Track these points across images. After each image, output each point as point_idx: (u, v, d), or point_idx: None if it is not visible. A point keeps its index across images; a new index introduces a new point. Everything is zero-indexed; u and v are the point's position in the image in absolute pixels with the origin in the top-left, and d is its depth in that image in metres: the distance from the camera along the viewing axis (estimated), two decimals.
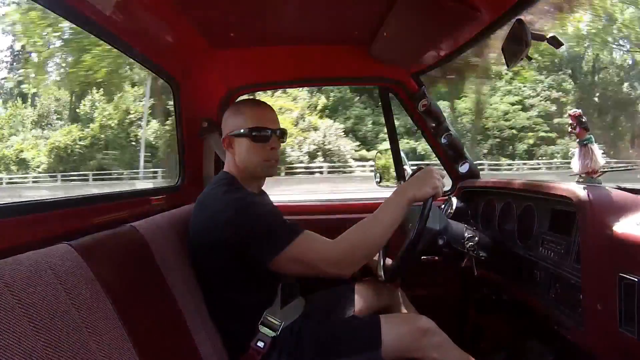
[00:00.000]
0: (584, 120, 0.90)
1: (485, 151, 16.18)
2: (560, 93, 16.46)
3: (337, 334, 0.94)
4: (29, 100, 16.77)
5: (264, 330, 0.91)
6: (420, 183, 0.87)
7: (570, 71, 17.06)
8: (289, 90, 15.57)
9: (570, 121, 0.91)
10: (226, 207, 0.87)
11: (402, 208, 0.86)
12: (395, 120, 1.57)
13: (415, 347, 0.92)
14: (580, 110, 0.91)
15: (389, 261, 1.18)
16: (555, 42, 0.88)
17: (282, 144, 1.03)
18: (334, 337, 0.93)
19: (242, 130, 0.96)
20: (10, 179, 14.87)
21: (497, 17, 0.91)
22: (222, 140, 1.00)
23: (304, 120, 16.55)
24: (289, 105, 16.46)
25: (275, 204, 1.36)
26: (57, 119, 17.10)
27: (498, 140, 16.49)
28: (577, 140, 0.91)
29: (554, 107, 16.03)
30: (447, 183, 1.62)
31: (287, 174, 14.25)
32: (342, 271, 0.85)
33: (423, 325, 0.95)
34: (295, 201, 1.63)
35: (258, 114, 0.98)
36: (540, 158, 15.78)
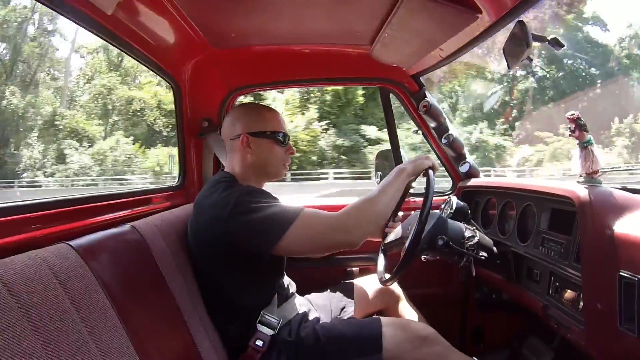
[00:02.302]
0: (582, 122, 0.90)
1: None
2: None
3: (338, 336, 0.94)
4: None
5: (263, 329, 0.91)
6: (415, 159, 0.97)
7: None
8: None
9: (569, 124, 0.91)
10: (227, 201, 0.87)
11: (403, 180, 0.93)
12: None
13: (415, 356, 0.91)
14: (577, 113, 0.90)
15: (389, 262, 1.18)
16: (556, 44, 0.88)
17: None
18: (335, 340, 0.93)
19: (267, 132, 1.00)
20: None
21: (498, 18, 0.91)
22: (239, 138, 0.99)
23: None
24: None
25: None
26: None
27: None
28: (577, 142, 0.90)
29: None
30: (447, 186, 1.62)
31: None
32: (352, 237, 0.86)
33: (422, 332, 0.95)
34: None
35: (278, 118, 1.05)
36: None
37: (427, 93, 1.45)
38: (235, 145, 1.00)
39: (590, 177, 0.89)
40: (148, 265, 0.80)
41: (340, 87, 14.49)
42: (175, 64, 1.27)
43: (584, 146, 0.90)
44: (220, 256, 0.89)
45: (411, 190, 1.34)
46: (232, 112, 1.05)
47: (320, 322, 1.01)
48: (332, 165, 14.99)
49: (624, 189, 0.88)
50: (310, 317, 1.04)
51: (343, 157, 15.42)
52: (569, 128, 0.91)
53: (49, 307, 0.51)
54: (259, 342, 0.90)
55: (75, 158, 15.90)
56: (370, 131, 15.03)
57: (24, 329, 0.47)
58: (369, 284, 1.26)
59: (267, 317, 0.92)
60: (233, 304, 0.93)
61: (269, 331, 0.91)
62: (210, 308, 0.92)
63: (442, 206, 1.23)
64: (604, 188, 0.84)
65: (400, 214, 1.29)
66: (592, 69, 19.16)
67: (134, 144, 16.19)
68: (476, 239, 1.02)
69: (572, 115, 0.90)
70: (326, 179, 13.86)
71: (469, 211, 1.19)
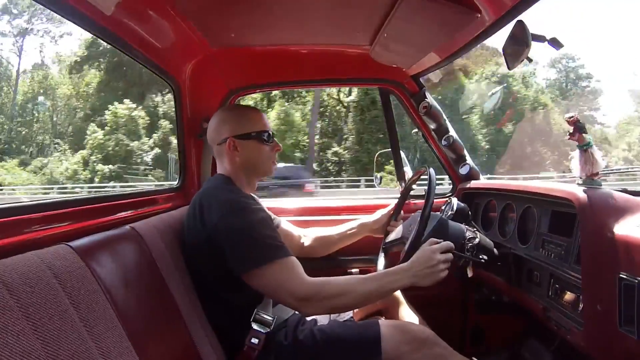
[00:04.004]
0: (581, 124, 0.89)
1: None
2: None
3: (336, 340, 0.93)
4: None
5: (257, 326, 0.92)
6: (427, 272, 0.89)
7: None
8: None
9: (569, 126, 0.90)
10: (219, 208, 0.88)
11: (396, 288, 0.91)
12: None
13: (414, 358, 0.91)
14: (577, 115, 0.90)
15: (389, 262, 1.18)
16: (555, 44, 0.87)
17: None
18: (333, 343, 0.93)
19: (252, 133, 1.01)
20: None
21: (498, 18, 0.91)
22: (226, 143, 1.01)
23: None
24: None
25: (273, 207, 1.37)
26: None
27: None
28: (577, 145, 0.90)
29: None
30: (447, 188, 1.62)
31: None
32: (301, 309, 0.87)
33: (421, 335, 0.95)
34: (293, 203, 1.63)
35: (262, 117, 1.06)
36: None
37: (427, 94, 1.45)
38: (222, 149, 1.02)
39: (591, 179, 0.89)
40: (147, 266, 0.80)
41: None
42: (175, 65, 1.28)
43: (584, 149, 0.89)
44: (209, 258, 0.90)
45: (411, 192, 1.34)
46: (216, 117, 1.06)
47: (318, 324, 1.01)
48: None
49: (624, 191, 0.88)
50: (308, 318, 1.04)
51: None
52: (568, 131, 0.90)
53: (49, 308, 0.51)
54: (254, 340, 0.90)
55: None
56: None
57: (23, 328, 0.47)
58: None
59: (261, 315, 0.93)
60: (227, 303, 0.93)
61: (263, 329, 0.91)
62: (206, 307, 0.93)
63: (443, 208, 1.23)
64: (604, 190, 0.84)
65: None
66: None
67: None
68: (477, 240, 1.02)
69: (571, 117, 0.89)
70: None
71: (470, 213, 1.19)
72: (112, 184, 14.68)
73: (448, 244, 0.93)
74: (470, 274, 1.06)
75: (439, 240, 0.94)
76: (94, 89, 18.48)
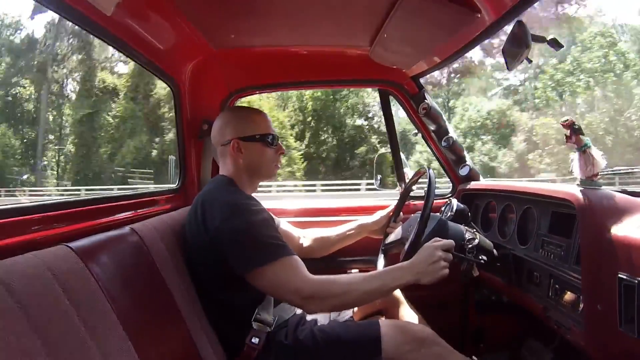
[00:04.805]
0: (577, 126, 0.89)
1: None
2: None
3: (336, 340, 0.94)
4: None
5: (258, 326, 0.92)
6: (429, 269, 0.88)
7: None
8: None
9: (564, 130, 0.90)
10: (222, 210, 0.88)
11: (399, 285, 0.89)
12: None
13: (414, 357, 0.91)
14: (571, 118, 0.90)
15: (389, 262, 1.18)
16: (555, 44, 0.88)
17: None
18: (334, 343, 0.93)
19: (256, 136, 1.01)
20: None
21: (497, 18, 0.92)
22: (230, 144, 1.01)
23: None
24: None
25: (273, 208, 1.37)
26: None
27: None
28: (576, 147, 0.90)
29: None
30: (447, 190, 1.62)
31: None
32: (305, 307, 0.88)
33: (421, 334, 0.95)
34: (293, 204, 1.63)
35: (266, 120, 1.06)
36: None
37: (426, 95, 1.45)
38: (226, 151, 1.02)
39: (590, 180, 0.89)
40: (147, 266, 0.80)
41: None
42: (175, 65, 1.28)
43: (583, 149, 0.89)
44: (210, 259, 0.90)
45: (411, 193, 1.34)
46: (221, 118, 1.06)
47: (318, 324, 1.01)
48: None
49: (624, 191, 0.88)
50: (308, 318, 1.04)
51: None
52: (565, 134, 0.90)
53: (49, 308, 0.51)
54: (255, 340, 0.90)
55: None
56: None
57: (23, 329, 0.47)
58: None
59: (262, 314, 0.93)
60: (227, 303, 0.93)
61: (264, 328, 0.92)
62: (207, 307, 0.93)
63: (443, 209, 1.23)
64: (603, 191, 0.84)
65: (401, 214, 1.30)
66: None
67: None
68: (476, 241, 1.02)
69: (565, 121, 0.89)
70: None
71: (469, 214, 1.19)
72: None
73: (450, 241, 0.93)
74: (475, 273, 1.06)
75: (440, 239, 0.94)
76: None
